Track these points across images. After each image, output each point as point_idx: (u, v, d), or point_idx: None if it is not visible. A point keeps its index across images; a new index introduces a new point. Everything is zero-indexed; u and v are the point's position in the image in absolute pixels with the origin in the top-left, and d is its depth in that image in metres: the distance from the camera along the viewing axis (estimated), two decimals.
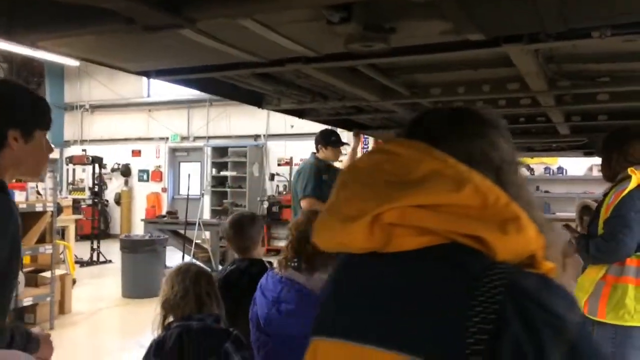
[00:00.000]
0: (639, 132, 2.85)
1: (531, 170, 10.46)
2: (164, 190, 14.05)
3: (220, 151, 12.98)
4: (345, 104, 3.51)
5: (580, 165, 10.18)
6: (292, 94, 3.27)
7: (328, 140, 4.87)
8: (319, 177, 4.74)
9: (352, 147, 5.14)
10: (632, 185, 2.66)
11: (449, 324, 0.75)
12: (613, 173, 2.84)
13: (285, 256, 2.24)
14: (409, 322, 0.79)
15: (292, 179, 5.07)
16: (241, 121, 12.83)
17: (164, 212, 10.60)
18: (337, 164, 5.12)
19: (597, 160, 9.72)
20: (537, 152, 6.87)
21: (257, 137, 12.99)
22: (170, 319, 2.09)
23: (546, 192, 10.39)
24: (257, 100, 3.65)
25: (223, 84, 3.10)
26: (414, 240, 0.83)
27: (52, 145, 1.77)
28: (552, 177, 10.52)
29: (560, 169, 10.36)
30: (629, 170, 2.71)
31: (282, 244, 10.58)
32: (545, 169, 10.41)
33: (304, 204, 4.65)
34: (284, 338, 2.12)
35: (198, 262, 2.49)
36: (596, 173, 9.93)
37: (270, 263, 2.62)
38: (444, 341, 0.75)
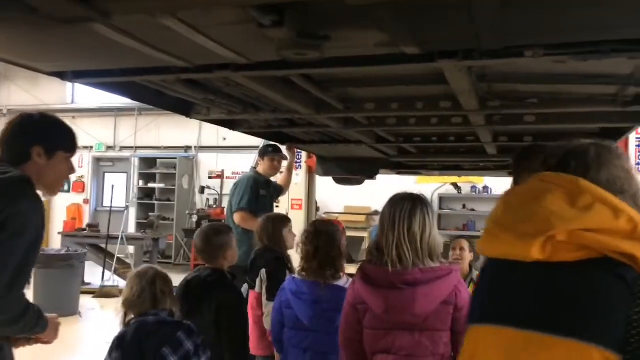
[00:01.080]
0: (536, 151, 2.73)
1: (459, 188, 10.75)
2: (86, 201, 13.36)
3: (148, 162, 12.52)
4: (278, 116, 3.40)
5: (504, 185, 10.54)
6: (222, 103, 3.13)
7: (265, 151, 4.75)
8: (256, 190, 4.59)
9: (287, 162, 5.04)
10: None
11: (618, 317, 1.07)
12: None
13: (308, 264, 2.78)
14: (579, 314, 1.10)
15: (230, 191, 4.88)
16: (171, 132, 12.45)
17: (85, 225, 10.04)
18: (275, 180, 5.00)
19: None
20: (466, 171, 7.05)
21: (187, 148, 12.64)
22: (131, 316, 2.36)
23: (472, 210, 10.70)
24: (185, 109, 3.48)
25: (147, 90, 2.92)
26: (574, 254, 1.14)
27: (75, 168, 2.13)
28: (478, 195, 10.85)
29: (485, 187, 10.71)
30: None
31: None
32: (472, 187, 10.73)
33: (236, 217, 4.49)
34: (328, 330, 2.60)
35: (156, 266, 2.58)
36: None
37: (232, 274, 2.84)
38: (613, 330, 1.07)
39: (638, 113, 2.93)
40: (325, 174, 5.80)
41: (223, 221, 8.74)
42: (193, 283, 2.79)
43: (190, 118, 3.54)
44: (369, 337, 2.13)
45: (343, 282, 2.78)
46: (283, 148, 4.85)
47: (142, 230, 9.35)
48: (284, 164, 4.98)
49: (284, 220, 3.55)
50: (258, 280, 3.31)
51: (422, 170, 6.91)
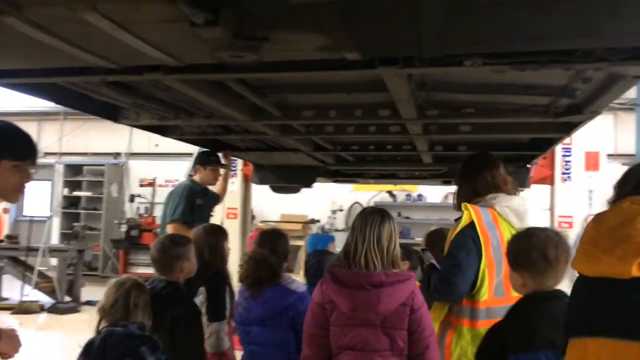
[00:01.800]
0: (490, 161, 2.72)
1: (394, 196, 10.89)
2: (6, 211, 12.53)
3: (74, 169, 11.90)
4: (213, 122, 3.27)
5: (438, 193, 10.79)
6: (153, 108, 2.96)
7: (208, 160, 4.54)
8: (192, 200, 4.39)
9: (223, 171, 4.87)
10: (463, 222, 2.46)
11: None
12: (459, 204, 2.66)
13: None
14: None
15: (164, 200, 4.62)
16: (100, 137, 11.91)
17: (2, 236, 9.38)
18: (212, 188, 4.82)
19: (453, 188, 10.41)
20: (401, 180, 7.11)
21: (117, 155, 12.12)
22: (104, 324, 2.37)
23: (407, 217, 10.86)
24: (112, 113, 3.28)
25: (71, 92, 2.72)
26: None
27: (31, 174, 1.98)
28: (412, 203, 11.03)
29: (420, 195, 10.90)
30: (463, 205, 2.53)
31: (141, 270, 9.87)
32: (407, 195, 10.89)
33: (169, 228, 4.26)
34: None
35: (135, 277, 2.43)
36: (451, 200, 10.59)
37: (189, 287, 2.78)
38: None
39: (568, 124, 3.02)
40: (261, 182, 5.68)
41: (156, 231, 8.41)
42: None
43: (118, 123, 3.34)
44: (335, 333, 2.31)
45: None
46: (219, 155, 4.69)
47: (66, 242, 8.84)
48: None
49: (225, 233, 3.38)
50: (197, 300, 3.06)
51: (358, 179, 6.91)
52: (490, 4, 1.53)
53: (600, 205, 5.50)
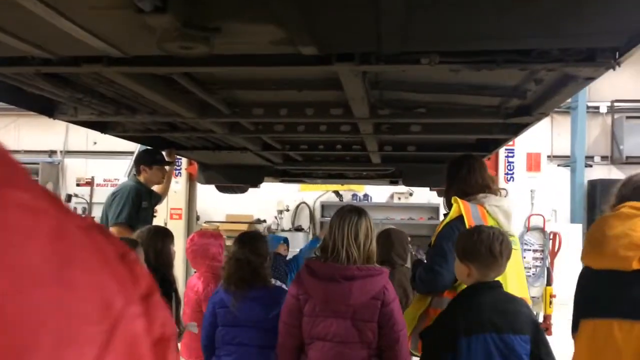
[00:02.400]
0: (480, 163, 2.81)
1: (340, 196, 10.91)
2: None
3: None
4: (157, 119, 3.12)
5: (384, 193, 10.89)
6: (92, 103, 2.79)
7: (154, 159, 4.32)
8: (138, 203, 4.18)
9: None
10: (451, 214, 2.57)
11: None
12: (449, 201, 2.75)
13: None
14: None
15: (105, 201, 4.36)
16: (34, 134, 11.33)
17: None
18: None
19: (398, 188, 10.53)
20: (349, 180, 7.10)
21: (52, 153, 11.56)
22: None
23: None
24: (47, 108, 3.07)
25: (2, 84, 2.51)
26: None
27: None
28: (359, 203, 11.08)
29: (366, 195, 10.97)
30: (452, 199, 2.63)
31: None
32: (353, 195, 10.93)
33: (113, 230, 4.04)
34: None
35: None
36: (396, 200, 10.71)
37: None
38: None
39: (517, 125, 3.06)
40: (207, 181, 5.52)
41: None
42: None
43: (54, 119, 3.14)
44: (307, 324, 2.40)
45: None
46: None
47: None
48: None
49: (171, 235, 3.21)
50: None
51: (306, 178, 6.85)
52: (450, 1, 1.50)
53: (541, 204, 5.64)
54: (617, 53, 1.71)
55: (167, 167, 4.41)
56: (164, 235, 3.13)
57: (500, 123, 2.98)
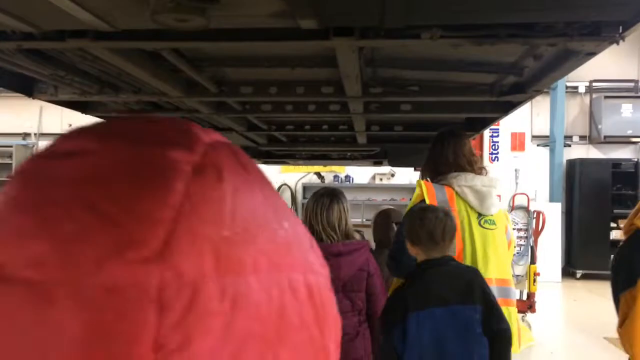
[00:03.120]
0: (455, 138, 2.72)
1: (322, 177, 10.88)
2: None
3: None
4: (142, 98, 3.02)
5: (366, 174, 10.89)
6: (75, 81, 2.68)
7: None
8: None
9: None
10: (414, 199, 2.46)
11: None
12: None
13: None
14: None
15: None
16: (6, 116, 11.02)
17: None
18: None
19: (380, 169, 10.53)
20: (332, 161, 7.06)
21: (26, 135, 11.27)
22: None
23: None
24: (26, 87, 2.94)
25: None
26: None
27: None
28: (340, 184, 11.06)
29: (347, 176, 10.96)
30: (417, 182, 2.55)
31: None
32: (335, 176, 10.92)
33: None
34: None
35: None
36: (378, 181, 10.73)
37: None
38: None
39: (509, 103, 3.04)
40: None
41: None
42: None
43: (33, 98, 3.01)
44: None
45: None
46: None
47: None
48: None
49: None
50: None
51: (289, 160, 6.78)
52: None
53: (524, 184, 5.67)
54: (621, 27, 1.68)
55: None
56: None
57: (492, 101, 2.95)
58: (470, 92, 2.83)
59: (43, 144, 10.49)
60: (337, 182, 11.00)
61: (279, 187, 10.93)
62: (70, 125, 10.62)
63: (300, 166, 9.90)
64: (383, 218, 3.49)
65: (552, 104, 10.20)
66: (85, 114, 3.52)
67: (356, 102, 3.08)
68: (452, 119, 3.86)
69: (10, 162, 10.59)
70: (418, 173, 7.99)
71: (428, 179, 2.71)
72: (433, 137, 2.83)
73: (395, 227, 3.71)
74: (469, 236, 2.36)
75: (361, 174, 10.86)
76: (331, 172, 10.82)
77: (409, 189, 10.58)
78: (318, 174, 10.82)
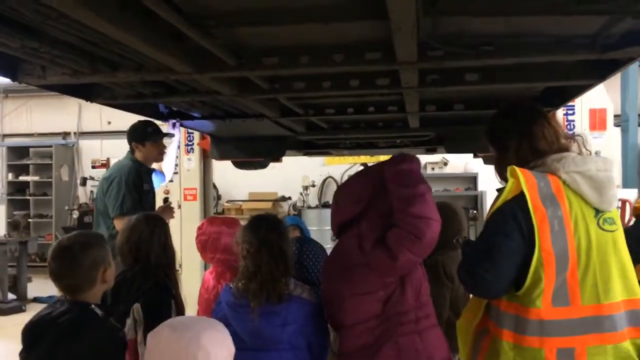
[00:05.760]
0: (539, 110, 1.96)
1: None
2: None
3: (18, 152, 10.81)
4: (146, 77, 2.47)
5: None
6: (61, 57, 2.15)
7: (144, 133, 3.72)
8: (139, 186, 3.60)
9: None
10: (506, 193, 1.75)
11: None
12: (502, 173, 1.93)
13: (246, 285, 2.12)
14: None
15: (99, 185, 3.77)
16: (46, 116, 10.85)
17: None
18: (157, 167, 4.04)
19: (432, 157, 9.77)
20: (380, 150, 6.37)
21: (66, 134, 11.08)
22: None
23: None
24: (10, 68, 2.45)
25: None
26: None
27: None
28: None
29: None
30: (509, 170, 1.77)
31: None
32: None
33: (118, 223, 3.44)
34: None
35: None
36: (430, 171, 9.97)
37: (106, 307, 2.03)
38: None
39: (610, 64, 2.33)
40: (221, 157, 4.88)
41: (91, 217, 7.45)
42: (40, 325, 1.88)
43: (19, 82, 2.52)
44: None
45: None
46: (164, 127, 3.88)
47: (5, 234, 7.88)
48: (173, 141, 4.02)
49: (165, 223, 2.58)
50: (129, 321, 2.26)
51: (332, 150, 6.15)
52: None
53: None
54: None
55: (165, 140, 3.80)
56: (163, 224, 2.51)
57: (589, 62, 2.26)
58: (562, 49, 2.13)
59: (83, 142, 10.22)
60: None
61: (324, 180, 10.34)
62: (110, 123, 10.35)
63: (345, 157, 9.27)
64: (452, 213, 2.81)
65: (624, 78, 9.16)
66: (91, 101, 3.02)
67: (410, 73, 2.45)
68: (527, 90, 3.15)
69: (50, 162, 10.40)
70: (476, 161, 7.16)
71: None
72: (500, 109, 2.09)
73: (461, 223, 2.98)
74: (585, 243, 1.69)
75: None
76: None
77: (464, 178, 9.78)
78: (365, 165, 10.15)
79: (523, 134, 1.87)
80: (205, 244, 2.72)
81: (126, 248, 2.39)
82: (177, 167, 5.64)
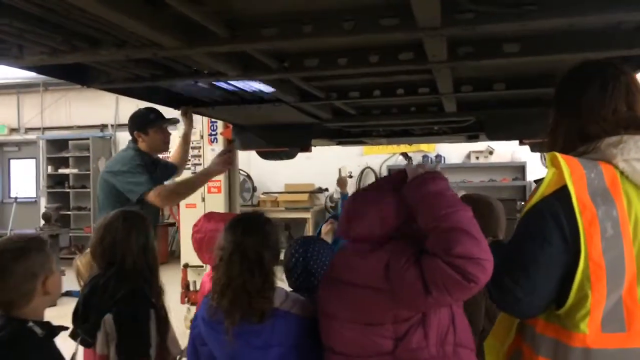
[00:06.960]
0: (609, 70, 1.51)
1: (409, 158, 9.76)
2: None
3: (58, 144, 10.89)
4: (130, 54, 2.17)
5: (459, 152, 9.65)
6: (23, 30, 1.88)
7: (145, 121, 3.48)
8: (148, 172, 3.36)
9: (183, 132, 3.82)
10: (544, 187, 1.37)
11: None
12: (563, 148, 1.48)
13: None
14: None
15: (100, 179, 3.54)
16: (84, 108, 10.89)
17: None
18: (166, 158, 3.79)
19: (476, 145, 9.23)
20: (416, 137, 5.93)
21: (103, 127, 11.10)
22: None
23: None
24: None
25: None
26: None
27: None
28: (431, 165, 9.90)
29: (438, 156, 9.75)
30: (548, 157, 1.39)
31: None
32: (424, 157, 9.75)
33: (154, 197, 3.15)
34: None
35: None
36: (474, 160, 9.45)
37: (49, 327, 1.69)
38: None
39: None
40: (244, 147, 4.58)
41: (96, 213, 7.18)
42: None
43: None
44: None
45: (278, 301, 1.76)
46: (177, 114, 3.61)
47: (38, 227, 7.87)
48: (178, 132, 3.76)
49: (147, 222, 2.29)
50: (100, 335, 1.99)
51: (366, 139, 5.75)
52: None
53: None
54: None
55: (170, 126, 3.53)
56: (144, 223, 2.23)
57: None
58: (629, 6, 1.71)
59: (120, 135, 10.17)
60: (426, 163, 9.84)
61: (362, 171, 9.97)
62: None
63: (384, 146, 8.86)
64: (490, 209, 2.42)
65: None
66: (86, 86, 2.76)
67: (436, 42, 2.05)
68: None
69: (87, 154, 10.43)
70: (524, 148, 6.61)
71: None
72: (566, 74, 1.66)
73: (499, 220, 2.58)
74: None
75: (454, 152, 9.61)
76: (419, 152, 9.66)
77: (511, 167, 9.20)
78: (404, 155, 9.68)
79: (561, 112, 1.47)
80: (202, 243, 2.42)
81: (99, 249, 2.12)
82: (201, 158, 5.41)
